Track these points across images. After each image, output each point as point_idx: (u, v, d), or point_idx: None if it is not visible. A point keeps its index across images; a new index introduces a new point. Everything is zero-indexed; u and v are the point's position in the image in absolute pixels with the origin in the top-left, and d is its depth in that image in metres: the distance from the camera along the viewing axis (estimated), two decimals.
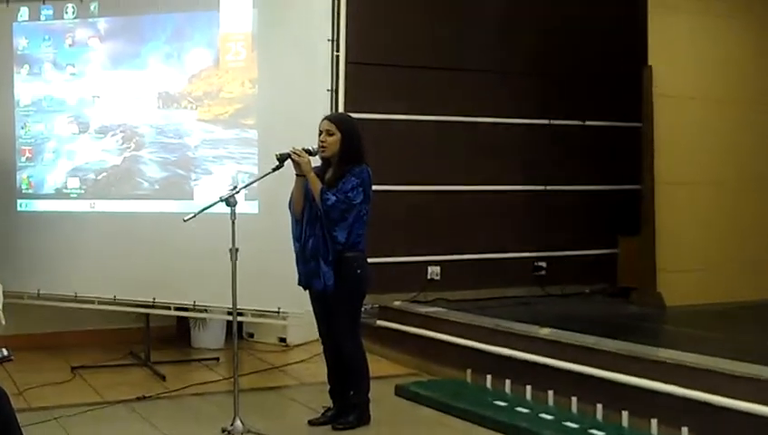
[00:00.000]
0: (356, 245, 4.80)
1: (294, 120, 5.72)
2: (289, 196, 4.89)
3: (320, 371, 5.13)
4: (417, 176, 7.90)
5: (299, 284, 4.94)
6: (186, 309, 6.44)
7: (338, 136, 4.79)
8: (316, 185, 4.73)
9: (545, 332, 5.81)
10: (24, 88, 6.62)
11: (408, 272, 7.88)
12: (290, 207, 4.90)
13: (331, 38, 6.00)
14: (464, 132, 8.10)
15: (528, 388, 5.42)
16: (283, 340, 7.22)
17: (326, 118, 4.92)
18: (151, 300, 6.30)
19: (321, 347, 5.10)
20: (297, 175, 4.80)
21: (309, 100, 5.85)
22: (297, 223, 4.88)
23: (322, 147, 4.81)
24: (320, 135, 4.83)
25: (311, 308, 5.03)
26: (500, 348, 5.76)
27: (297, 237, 4.88)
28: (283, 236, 5.06)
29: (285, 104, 5.92)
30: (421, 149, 7.91)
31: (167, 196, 6.25)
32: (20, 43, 6.62)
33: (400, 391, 5.72)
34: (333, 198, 4.69)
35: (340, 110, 5.97)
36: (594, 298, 8.24)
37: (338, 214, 4.71)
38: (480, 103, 8.13)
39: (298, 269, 4.90)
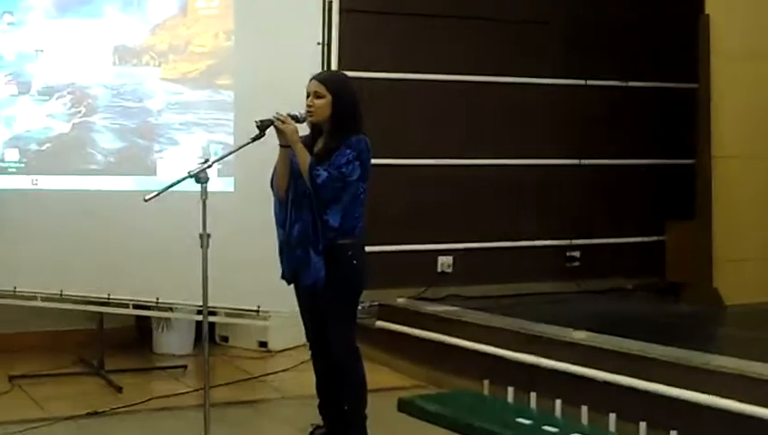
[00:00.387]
0: (352, 230, 4.80)
1: (278, 80, 5.73)
2: (271, 171, 4.89)
3: (307, 381, 5.14)
4: (425, 147, 7.90)
5: (283, 277, 4.94)
6: (147, 307, 6.46)
7: (328, 99, 4.77)
8: (304, 158, 4.71)
9: (579, 336, 5.83)
10: None
11: (413, 263, 7.89)
12: (272, 186, 4.90)
13: None
14: (481, 95, 8.08)
15: (557, 402, 5.44)
16: (263, 344, 7.25)
17: (315, 77, 4.90)
18: (105, 296, 6.31)
19: (309, 353, 5.11)
20: (281, 146, 4.79)
21: (295, 55, 5.86)
22: (281, 205, 4.87)
23: (310, 112, 4.80)
24: (307, 98, 4.82)
25: (297, 306, 5.04)
26: (524, 355, 5.78)
27: (281, 222, 4.87)
28: (264, 219, 5.05)
29: (267, 60, 5.92)
30: (430, 114, 7.91)
31: (124, 171, 6.26)
32: None
33: (404, 406, 5.73)
34: (325, 173, 4.68)
35: (333, 67, 5.96)
36: (638, 295, 8.26)
37: (330, 193, 4.71)
38: (501, 60, 8.11)
39: (282, 260, 4.90)
